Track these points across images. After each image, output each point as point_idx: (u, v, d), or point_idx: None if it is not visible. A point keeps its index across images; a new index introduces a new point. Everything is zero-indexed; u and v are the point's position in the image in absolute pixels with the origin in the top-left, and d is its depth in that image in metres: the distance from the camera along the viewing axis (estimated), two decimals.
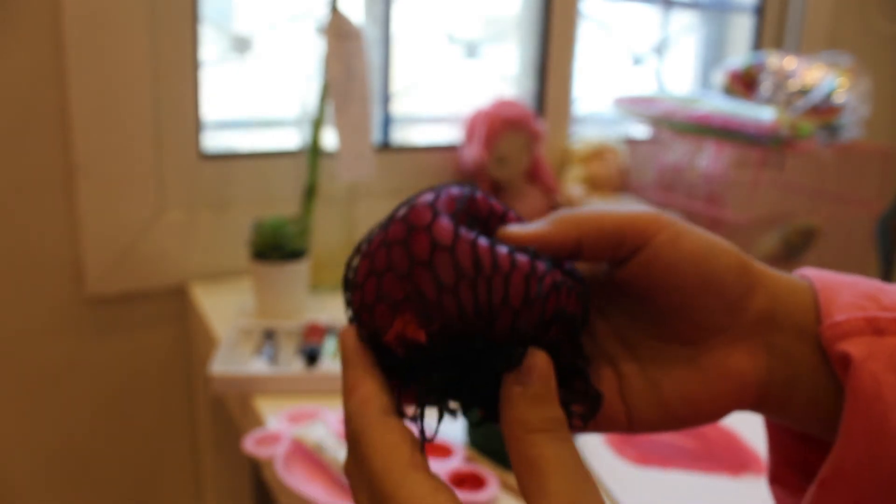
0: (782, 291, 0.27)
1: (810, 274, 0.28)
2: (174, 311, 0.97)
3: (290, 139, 1.04)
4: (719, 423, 0.65)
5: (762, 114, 1.08)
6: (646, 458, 0.62)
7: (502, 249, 0.24)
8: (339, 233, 0.97)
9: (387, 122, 1.12)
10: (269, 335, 0.79)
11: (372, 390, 0.24)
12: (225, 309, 0.88)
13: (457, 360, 0.24)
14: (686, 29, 1.47)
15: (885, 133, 1.65)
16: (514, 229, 0.27)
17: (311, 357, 0.73)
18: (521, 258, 0.24)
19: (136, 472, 1.02)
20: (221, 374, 0.69)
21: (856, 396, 0.24)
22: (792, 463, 0.29)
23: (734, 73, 1.27)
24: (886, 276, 1.76)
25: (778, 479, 0.30)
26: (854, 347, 0.24)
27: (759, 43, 1.50)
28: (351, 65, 0.85)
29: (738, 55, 1.47)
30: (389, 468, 0.22)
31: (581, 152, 1.24)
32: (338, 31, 0.84)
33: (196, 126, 0.94)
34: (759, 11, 1.49)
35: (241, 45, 1.02)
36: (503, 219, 0.28)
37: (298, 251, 0.84)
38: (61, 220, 0.88)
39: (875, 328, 0.25)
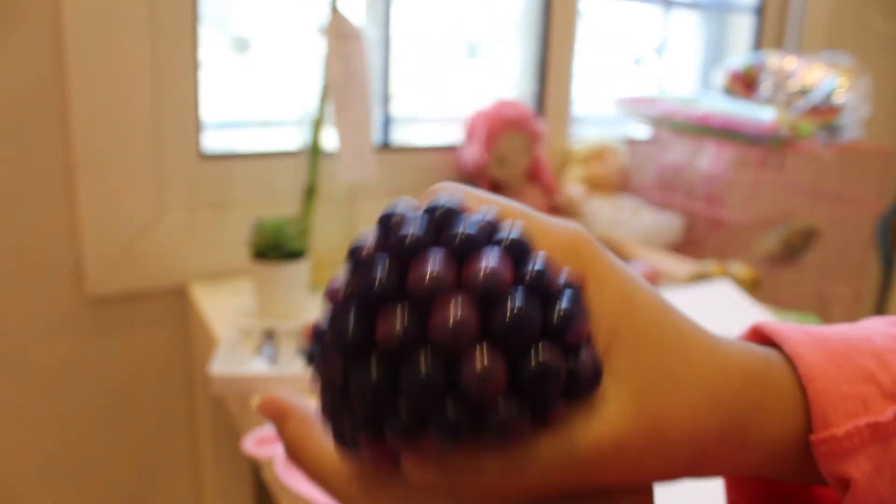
0: (751, 403, 0.21)
1: (786, 348, 0.22)
2: (174, 311, 0.97)
3: (290, 139, 1.04)
4: None
5: (762, 114, 1.08)
6: None
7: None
8: (339, 233, 0.97)
9: (387, 122, 1.12)
10: (269, 335, 0.79)
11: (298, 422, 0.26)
12: (225, 309, 0.88)
13: None
14: (686, 29, 1.47)
15: (885, 133, 1.65)
16: None
17: (311, 357, 0.73)
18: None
19: (136, 472, 1.02)
20: (221, 375, 0.69)
21: None
22: (752, 497, 0.27)
23: (734, 73, 1.27)
24: (886, 277, 1.76)
25: None
26: (857, 468, 0.21)
27: (759, 43, 1.50)
28: (351, 65, 0.85)
29: (738, 55, 1.47)
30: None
31: (581, 152, 1.24)
32: (338, 31, 0.84)
33: (196, 126, 0.94)
34: (759, 11, 1.49)
35: (241, 45, 1.02)
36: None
37: (298, 251, 0.84)
38: (61, 220, 0.88)
39: (879, 436, 0.21)
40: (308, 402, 0.27)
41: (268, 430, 0.62)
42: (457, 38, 1.19)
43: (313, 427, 0.26)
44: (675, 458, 0.21)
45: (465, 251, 0.20)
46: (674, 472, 0.21)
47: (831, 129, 1.13)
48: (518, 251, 0.20)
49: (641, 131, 1.40)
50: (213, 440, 0.97)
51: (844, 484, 0.21)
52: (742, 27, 1.51)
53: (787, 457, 0.22)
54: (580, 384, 0.19)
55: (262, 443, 0.61)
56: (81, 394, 0.95)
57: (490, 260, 0.19)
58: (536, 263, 0.20)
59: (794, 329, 0.23)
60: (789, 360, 0.22)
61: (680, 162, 1.31)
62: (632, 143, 1.33)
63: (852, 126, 1.15)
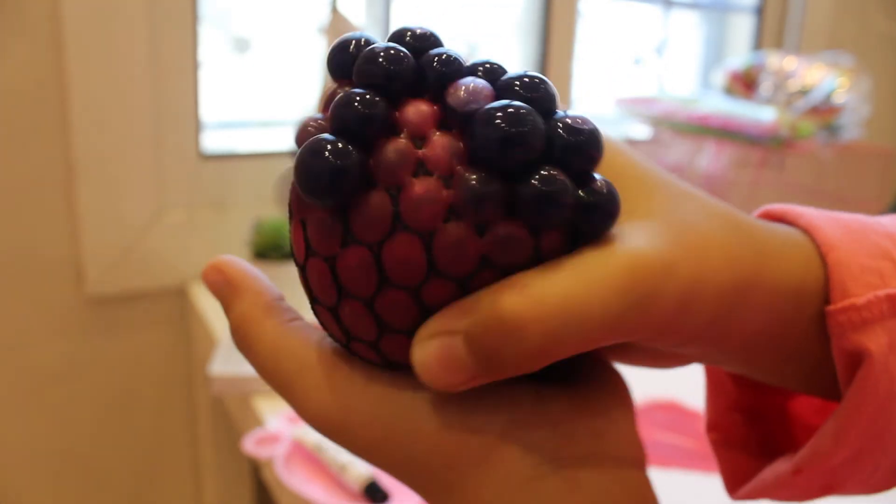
0: (772, 251, 0.21)
1: (802, 222, 0.22)
2: (174, 311, 0.97)
3: (290, 139, 1.04)
4: None
5: (762, 114, 1.08)
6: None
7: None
8: None
9: None
10: None
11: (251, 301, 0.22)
12: None
13: None
14: (686, 29, 1.47)
15: (885, 133, 1.65)
16: None
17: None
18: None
19: (136, 472, 1.02)
20: (221, 375, 0.69)
21: (865, 396, 0.20)
22: (738, 407, 0.27)
23: (734, 73, 1.27)
24: None
25: (719, 425, 0.27)
26: (874, 341, 0.20)
27: (759, 43, 1.50)
28: None
29: (738, 55, 1.46)
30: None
31: None
32: (338, 31, 0.84)
33: (196, 126, 0.94)
34: (759, 11, 1.49)
35: (241, 45, 1.02)
36: None
37: None
38: (61, 220, 0.88)
39: None
40: (265, 276, 0.22)
41: (268, 430, 0.62)
42: (457, 38, 1.19)
43: (271, 309, 0.22)
44: (718, 294, 0.19)
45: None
46: (710, 319, 0.19)
47: (831, 129, 1.13)
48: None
49: (641, 131, 1.40)
50: (213, 440, 0.97)
51: (856, 359, 0.20)
52: (742, 27, 1.51)
53: (802, 324, 0.21)
54: (597, 212, 0.18)
55: (262, 443, 0.61)
56: (81, 394, 0.95)
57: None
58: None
59: (807, 208, 0.23)
60: (806, 231, 0.22)
61: (680, 162, 1.31)
62: (632, 143, 1.33)
63: (852, 126, 1.15)
